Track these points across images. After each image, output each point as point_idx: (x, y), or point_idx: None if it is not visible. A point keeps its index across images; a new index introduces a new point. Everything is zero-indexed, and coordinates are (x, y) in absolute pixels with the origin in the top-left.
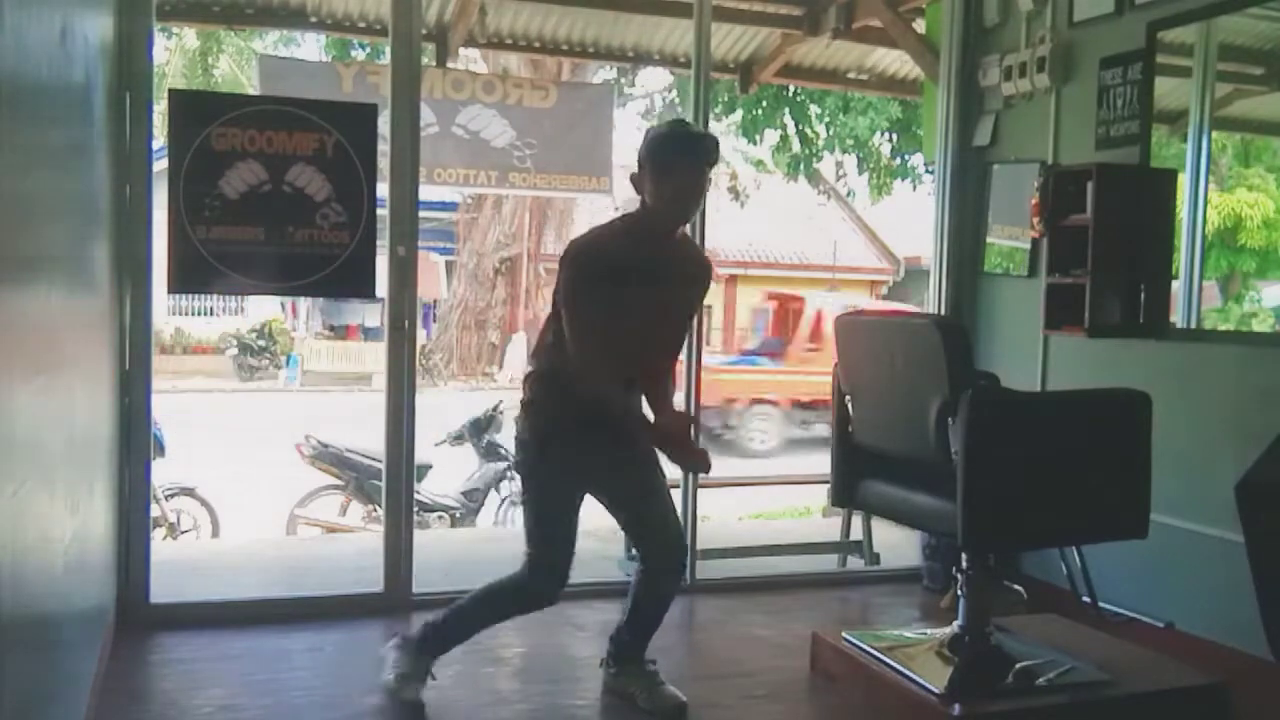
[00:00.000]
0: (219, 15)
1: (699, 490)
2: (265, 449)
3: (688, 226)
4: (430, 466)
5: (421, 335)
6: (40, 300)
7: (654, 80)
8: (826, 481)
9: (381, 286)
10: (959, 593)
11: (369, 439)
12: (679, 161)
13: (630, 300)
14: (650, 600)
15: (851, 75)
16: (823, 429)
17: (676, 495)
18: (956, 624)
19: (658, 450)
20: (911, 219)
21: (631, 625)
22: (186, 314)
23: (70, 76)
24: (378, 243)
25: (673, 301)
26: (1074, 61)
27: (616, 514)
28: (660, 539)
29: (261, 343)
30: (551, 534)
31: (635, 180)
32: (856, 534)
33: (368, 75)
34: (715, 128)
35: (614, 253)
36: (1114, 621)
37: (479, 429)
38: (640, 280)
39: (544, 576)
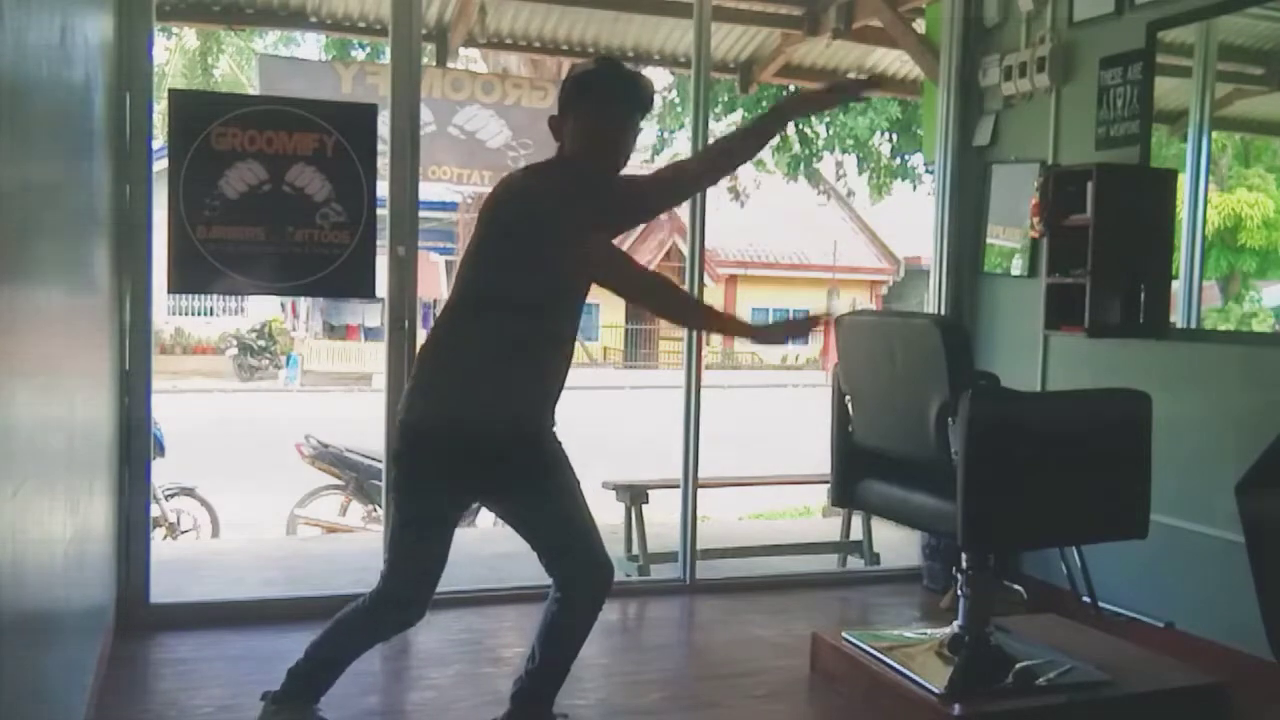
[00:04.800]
0: (219, 15)
1: (699, 490)
2: (265, 449)
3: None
4: None
5: (421, 335)
6: (40, 300)
7: (654, 80)
8: (826, 481)
9: (381, 286)
10: (959, 593)
11: (369, 439)
12: (609, 106)
13: None
14: (569, 634)
15: (851, 75)
16: None
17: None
18: (956, 624)
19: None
20: (911, 219)
21: (542, 669)
22: (186, 314)
23: (70, 76)
24: (378, 243)
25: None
26: (1074, 61)
27: (524, 528)
28: (588, 553)
29: (261, 343)
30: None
31: (554, 125)
32: (856, 534)
33: (368, 75)
34: (715, 128)
35: None
36: (1114, 621)
37: None
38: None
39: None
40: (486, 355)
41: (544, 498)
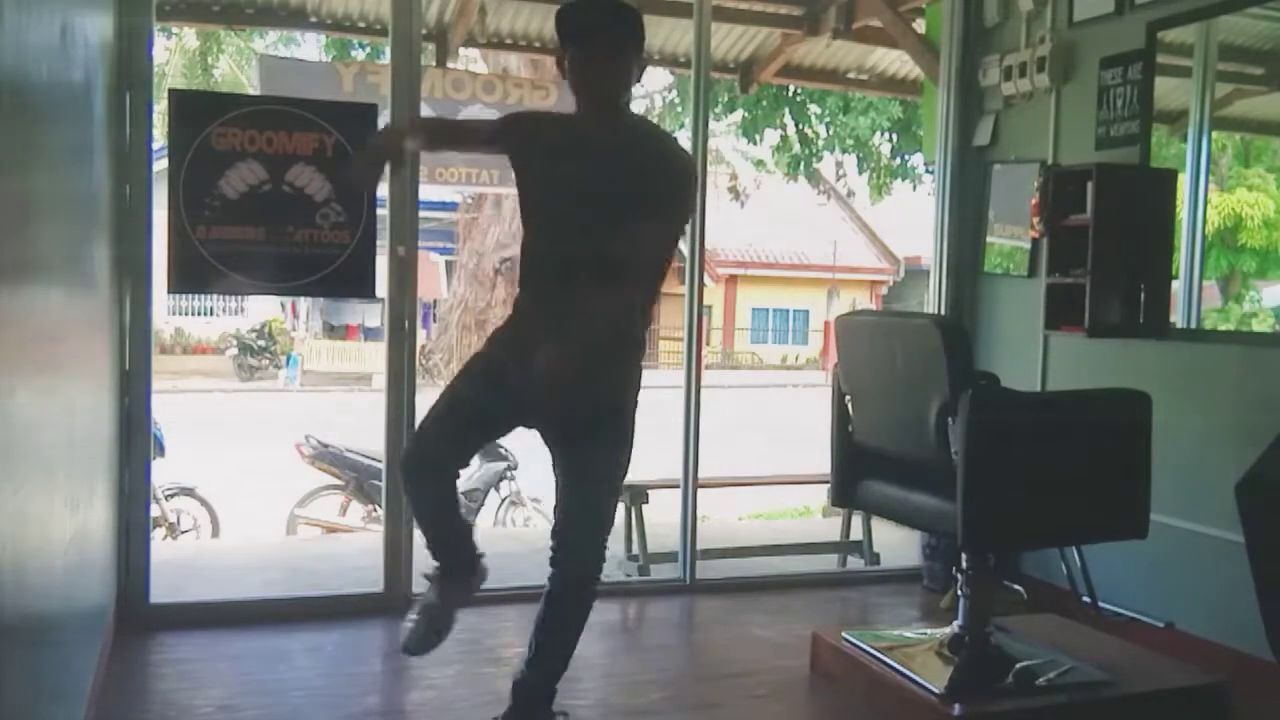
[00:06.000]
0: (219, 15)
1: (699, 490)
2: (265, 449)
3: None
4: None
5: (421, 335)
6: (40, 300)
7: (654, 80)
8: (826, 481)
9: (381, 286)
10: (959, 593)
11: (369, 439)
12: (593, 37)
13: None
14: (554, 623)
15: (851, 75)
16: None
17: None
18: (956, 624)
19: None
20: (911, 219)
21: (537, 658)
22: (186, 314)
23: (70, 76)
24: (378, 243)
25: (611, 189)
26: (1074, 61)
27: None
28: (571, 536)
29: (261, 343)
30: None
31: (559, 64)
32: (856, 534)
33: (368, 75)
34: (715, 128)
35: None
36: (1114, 621)
37: None
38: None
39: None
40: (566, 316)
41: (569, 463)
